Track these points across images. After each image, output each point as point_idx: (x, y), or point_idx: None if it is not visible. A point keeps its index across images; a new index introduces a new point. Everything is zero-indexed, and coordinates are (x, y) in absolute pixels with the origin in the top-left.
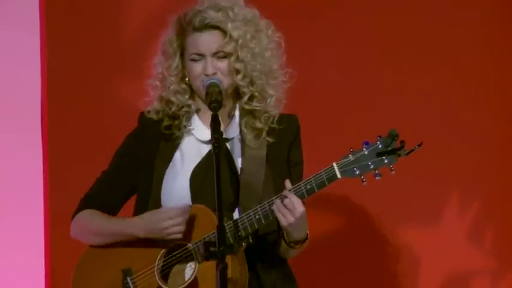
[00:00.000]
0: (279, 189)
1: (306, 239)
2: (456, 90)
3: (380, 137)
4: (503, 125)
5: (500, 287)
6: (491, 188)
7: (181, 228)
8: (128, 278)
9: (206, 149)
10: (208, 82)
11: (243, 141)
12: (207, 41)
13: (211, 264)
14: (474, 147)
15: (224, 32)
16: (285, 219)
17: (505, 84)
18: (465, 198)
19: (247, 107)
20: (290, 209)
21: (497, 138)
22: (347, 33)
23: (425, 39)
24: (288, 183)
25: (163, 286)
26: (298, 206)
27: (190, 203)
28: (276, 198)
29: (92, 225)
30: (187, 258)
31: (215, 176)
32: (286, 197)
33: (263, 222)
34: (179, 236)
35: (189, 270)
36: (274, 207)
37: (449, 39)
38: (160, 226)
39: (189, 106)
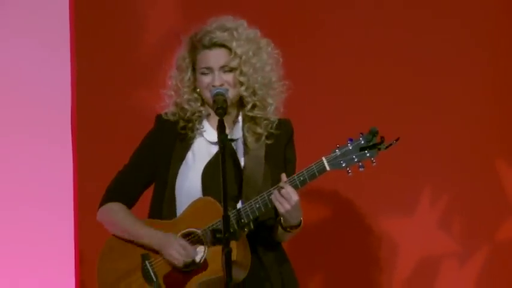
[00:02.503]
0: (276, 183)
1: (300, 224)
2: (429, 93)
3: (362, 134)
4: (471, 127)
5: (466, 269)
6: (459, 184)
7: (181, 263)
8: (147, 262)
9: (214, 149)
10: (215, 91)
11: (245, 143)
12: (215, 57)
13: (218, 248)
14: (445, 147)
15: (230, 50)
16: (283, 206)
17: (473, 85)
18: (436, 192)
19: (250, 114)
20: (287, 198)
21: (466, 139)
22: (339, 43)
23: (403, 48)
24: (283, 176)
25: (176, 267)
26: (294, 195)
27: (201, 196)
28: (273, 189)
29: (119, 222)
30: (198, 243)
31: (221, 171)
32: (283, 187)
33: (262, 210)
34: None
35: (199, 253)
36: (272, 196)
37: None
38: (169, 252)
39: (200, 112)
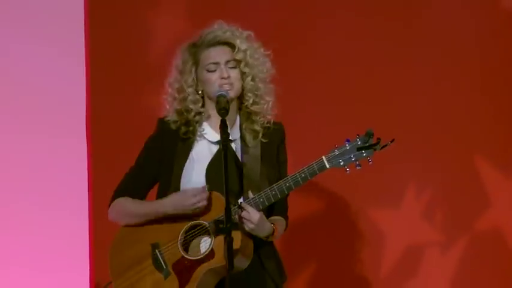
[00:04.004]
0: (271, 180)
1: (273, 233)
2: (415, 95)
3: (359, 135)
4: (452, 127)
5: (447, 257)
6: (441, 178)
7: (204, 203)
8: (156, 250)
9: (215, 148)
10: (217, 93)
11: (243, 141)
12: (221, 52)
13: (223, 238)
14: (428, 145)
15: (233, 47)
16: (247, 226)
17: (455, 88)
18: (420, 186)
19: (248, 110)
20: (248, 218)
21: (447, 138)
22: (334, 48)
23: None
24: (250, 194)
25: (185, 255)
26: (254, 215)
27: (206, 185)
28: (274, 186)
29: (128, 208)
30: (204, 233)
31: (224, 168)
32: (244, 208)
33: (266, 204)
34: (202, 209)
35: (205, 243)
36: (237, 216)
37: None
38: (187, 203)
39: (201, 113)
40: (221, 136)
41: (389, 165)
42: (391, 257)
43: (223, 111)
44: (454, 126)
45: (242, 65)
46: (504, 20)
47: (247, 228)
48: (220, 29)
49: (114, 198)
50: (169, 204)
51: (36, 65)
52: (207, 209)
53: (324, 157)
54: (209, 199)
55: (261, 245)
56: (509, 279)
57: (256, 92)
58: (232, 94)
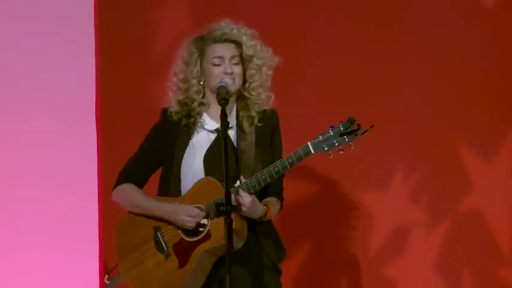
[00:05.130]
0: (264, 164)
1: (266, 214)
2: (400, 85)
3: (341, 122)
4: (436, 115)
5: (432, 237)
6: (427, 164)
7: (193, 225)
8: (158, 233)
9: (213, 136)
10: (219, 85)
11: (240, 128)
12: (227, 48)
13: (219, 220)
14: (414, 132)
15: (238, 44)
16: (240, 209)
17: (439, 77)
18: (407, 171)
19: (246, 102)
20: (241, 202)
21: (432, 126)
22: (323, 44)
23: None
24: (242, 178)
25: (184, 238)
26: (246, 199)
27: (204, 176)
28: (265, 170)
29: (132, 199)
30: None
31: (224, 156)
32: (238, 194)
33: (257, 188)
34: (189, 227)
35: (202, 225)
36: (232, 198)
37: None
38: (180, 218)
39: (202, 104)
40: (221, 125)
41: (378, 152)
42: (380, 236)
43: (223, 101)
44: (438, 116)
45: (246, 61)
46: (485, 13)
47: (241, 212)
48: (227, 26)
49: (118, 180)
50: (166, 210)
51: (50, 59)
52: (202, 193)
53: (309, 143)
54: (203, 185)
55: (258, 224)
56: (488, 256)
57: (256, 87)
58: (233, 88)
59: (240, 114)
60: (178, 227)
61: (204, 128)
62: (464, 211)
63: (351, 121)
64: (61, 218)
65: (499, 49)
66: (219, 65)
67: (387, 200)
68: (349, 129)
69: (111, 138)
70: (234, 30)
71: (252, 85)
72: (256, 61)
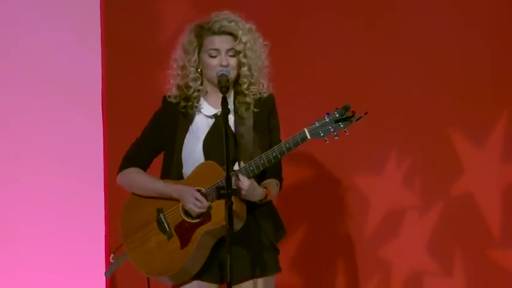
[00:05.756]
0: (263, 147)
1: (266, 197)
2: (395, 73)
3: (337, 109)
4: (428, 102)
5: (424, 219)
6: (420, 149)
7: (197, 210)
8: (161, 214)
9: (212, 121)
10: (220, 73)
11: (237, 113)
12: (223, 41)
13: (220, 202)
14: (408, 118)
15: (235, 37)
16: (240, 192)
17: (430, 65)
18: (401, 156)
19: (245, 91)
20: (240, 186)
21: (425, 112)
22: (320, 39)
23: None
24: (242, 163)
25: (186, 219)
26: (245, 183)
27: (204, 160)
28: (264, 155)
29: (138, 181)
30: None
31: (225, 141)
32: (238, 179)
33: (256, 172)
34: (194, 212)
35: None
36: (233, 181)
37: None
38: (186, 199)
39: (199, 90)
40: (222, 111)
41: (373, 138)
42: (374, 218)
43: (224, 88)
44: (430, 103)
45: (241, 56)
46: (473, 1)
47: (241, 195)
48: (226, 19)
49: (122, 165)
50: (174, 192)
51: (57, 49)
52: (202, 176)
53: (305, 129)
54: (204, 169)
55: (257, 207)
56: (479, 238)
57: (251, 79)
58: (230, 76)
59: (237, 100)
60: (183, 207)
61: (201, 112)
62: (455, 194)
63: (346, 108)
64: (69, 201)
65: (488, 37)
66: (215, 57)
67: (382, 183)
68: (344, 116)
69: (117, 125)
70: (232, 23)
71: (248, 76)
72: (251, 53)
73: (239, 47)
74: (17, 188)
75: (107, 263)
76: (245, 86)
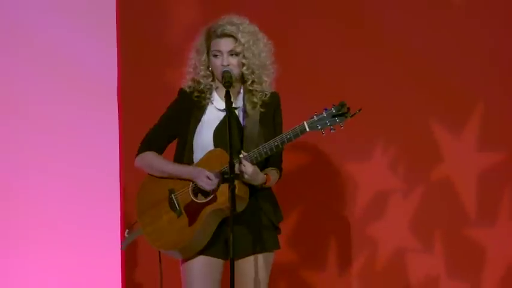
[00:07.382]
0: (267, 139)
1: (266, 182)
2: (382, 68)
3: (334, 105)
4: (411, 93)
5: (407, 201)
6: (403, 137)
7: (208, 188)
8: (172, 195)
9: (222, 114)
10: (223, 70)
11: (244, 109)
12: (224, 43)
13: (225, 186)
14: (393, 109)
15: (236, 39)
16: (243, 176)
17: (412, 57)
18: (386, 143)
19: (250, 88)
20: (243, 171)
21: (408, 103)
22: (318, 37)
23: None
24: (243, 153)
25: (194, 199)
26: (248, 168)
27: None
28: (266, 144)
29: (155, 163)
30: None
31: (228, 130)
32: (242, 164)
33: (259, 159)
34: (205, 188)
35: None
36: (236, 167)
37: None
38: (199, 178)
39: (211, 85)
40: (226, 102)
41: (363, 128)
42: (363, 200)
43: (227, 83)
44: (413, 95)
45: (240, 56)
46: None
47: (243, 179)
48: (229, 22)
49: (141, 148)
50: (187, 173)
51: (77, 45)
52: (211, 162)
53: (305, 122)
54: (212, 155)
55: (259, 190)
56: (456, 218)
57: (253, 77)
58: (234, 73)
59: (246, 97)
60: (192, 189)
61: (213, 104)
62: (435, 179)
63: (342, 105)
64: (86, 183)
65: (467, 30)
66: (218, 58)
67: (369, 169)
68: (340, 112)
69: (131, 116)
70: (233, 26)
71: (249, 75)
72: (249, 54)
73: (239, 49)
74: (41, 170)
75: (122, 237)
76: (249, 83)
